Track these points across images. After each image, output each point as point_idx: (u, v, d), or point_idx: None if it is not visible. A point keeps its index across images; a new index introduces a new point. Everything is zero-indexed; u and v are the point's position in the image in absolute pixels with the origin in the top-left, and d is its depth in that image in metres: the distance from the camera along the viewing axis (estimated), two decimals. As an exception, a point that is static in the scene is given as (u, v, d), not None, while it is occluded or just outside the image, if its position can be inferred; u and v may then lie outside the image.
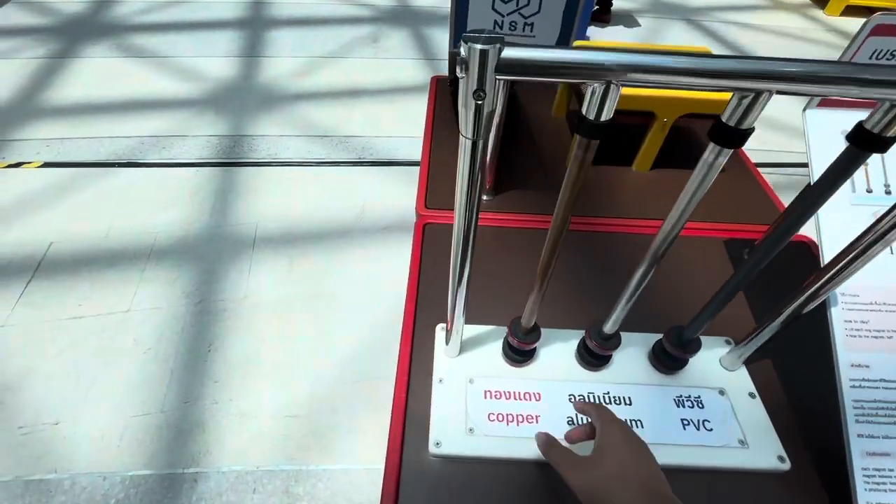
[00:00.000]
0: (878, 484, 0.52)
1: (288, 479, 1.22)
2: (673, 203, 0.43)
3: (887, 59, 0.57)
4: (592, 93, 0.33)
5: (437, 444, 0.57)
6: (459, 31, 0.68)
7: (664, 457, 0.54)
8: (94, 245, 1.77)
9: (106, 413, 1.32)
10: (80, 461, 1.23)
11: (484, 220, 0.90)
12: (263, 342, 1.50)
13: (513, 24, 0.67)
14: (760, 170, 1.03)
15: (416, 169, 1.02)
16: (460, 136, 0.37)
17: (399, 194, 2.03)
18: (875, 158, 0.62)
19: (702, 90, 0.33)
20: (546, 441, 0.50)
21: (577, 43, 0.98)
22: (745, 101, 0.33)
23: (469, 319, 0.69)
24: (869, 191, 0.60)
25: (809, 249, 0.87)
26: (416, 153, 1.08)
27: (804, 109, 0.63)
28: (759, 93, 0.33)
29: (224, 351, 1.47)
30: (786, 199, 1.04)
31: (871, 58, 0.56)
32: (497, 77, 0.32)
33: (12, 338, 1.48)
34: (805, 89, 0.32)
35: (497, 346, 0.67)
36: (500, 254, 0.84)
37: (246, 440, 1.28)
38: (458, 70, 0.32)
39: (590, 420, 0.50)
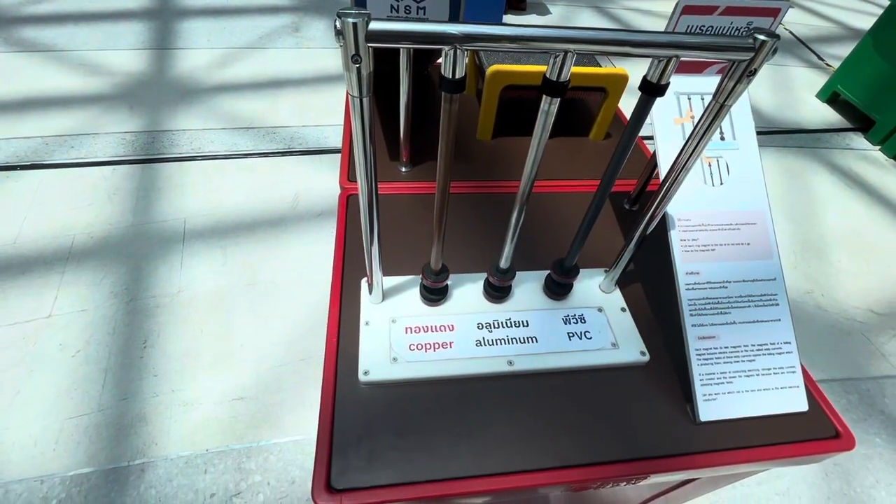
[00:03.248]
0: (706, 360, 0.68)
1: (239, 456, 1.26)
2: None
3: (699, 33, 0.72)
4: (446, 56, 0.43)
5: (366, 372, 0.66)
6: (360, 14, 0.76)
7: (556, 362, 0.68)
8: (1, 253, 1.66)
9: (37, 419, 1.28)
10: (11, 469, 1.19)
11: (402, 189, 0.99)
12: (202, 333, 1.50)
13: (407, 8, 0.76)
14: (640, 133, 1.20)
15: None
16: (349, 97, 0.45)
17: (333, 181, 2.07)
18: (698, 109, 0.78)
19: (523, 52, 0.44)
20: None
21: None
22: (558, 60, 0.45)
23: (391, 271, 0.79)
24: (695, 138, 0.76)
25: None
26: (342, 137, 1.14)
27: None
28: (566, 52, 0.44)
29: (161, 345, 1.46)
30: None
31: (686, 31, 0.72)
32: (368, 45, 0.41)
33: (-85, 356, 1.37)
34: (599, 49, 0.44)
35: (415, 292, 0.77)
36: (418, 217, 0.94)
37: (193, 427, 1.30)
38: (336, 39, 0.41)
39: None
